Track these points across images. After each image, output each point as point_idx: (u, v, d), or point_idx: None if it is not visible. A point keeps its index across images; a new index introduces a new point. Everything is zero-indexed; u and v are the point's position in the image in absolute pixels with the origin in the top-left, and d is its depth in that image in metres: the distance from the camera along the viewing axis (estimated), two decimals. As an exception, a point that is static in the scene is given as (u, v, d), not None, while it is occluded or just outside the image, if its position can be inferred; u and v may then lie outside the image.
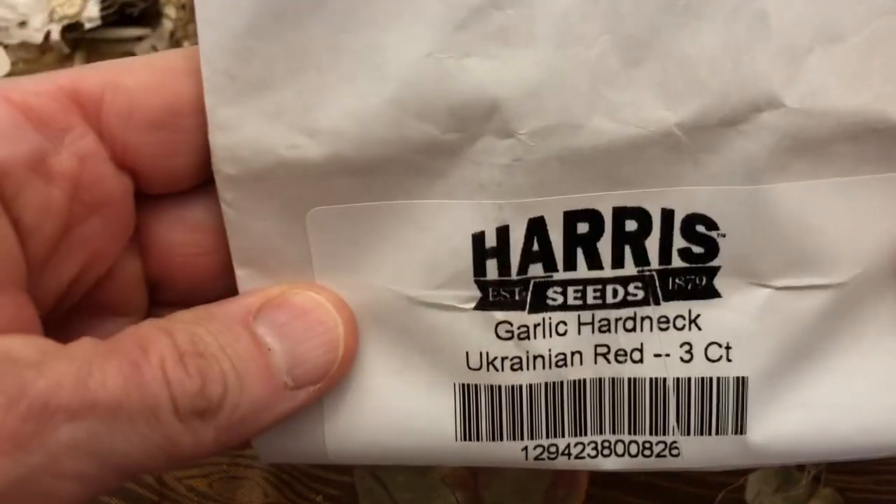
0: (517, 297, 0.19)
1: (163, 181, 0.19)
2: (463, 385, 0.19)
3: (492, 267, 0.19)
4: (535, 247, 0.18)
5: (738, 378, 0.19)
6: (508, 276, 0.19)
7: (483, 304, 0.19)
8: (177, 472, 0.30)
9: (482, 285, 0.19)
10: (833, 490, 0.29)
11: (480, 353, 0.19)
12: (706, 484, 0.29)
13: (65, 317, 0.19)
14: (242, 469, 0.31)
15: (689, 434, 0.19)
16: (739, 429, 0.19)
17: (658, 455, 0.20)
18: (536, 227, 0.18)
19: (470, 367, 0.19)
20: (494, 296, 0.19)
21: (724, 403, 0.19)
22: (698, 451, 0.20)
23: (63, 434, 0.15)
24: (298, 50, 0.17)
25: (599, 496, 0.30)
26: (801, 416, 0.19)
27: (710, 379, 0.19)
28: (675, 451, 0.20)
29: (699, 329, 0.19)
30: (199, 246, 0.19)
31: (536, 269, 0.19)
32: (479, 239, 0.18)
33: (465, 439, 0.20)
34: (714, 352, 0.19)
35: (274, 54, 0.17)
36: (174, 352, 0.16)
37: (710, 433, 0.19)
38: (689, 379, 0.19)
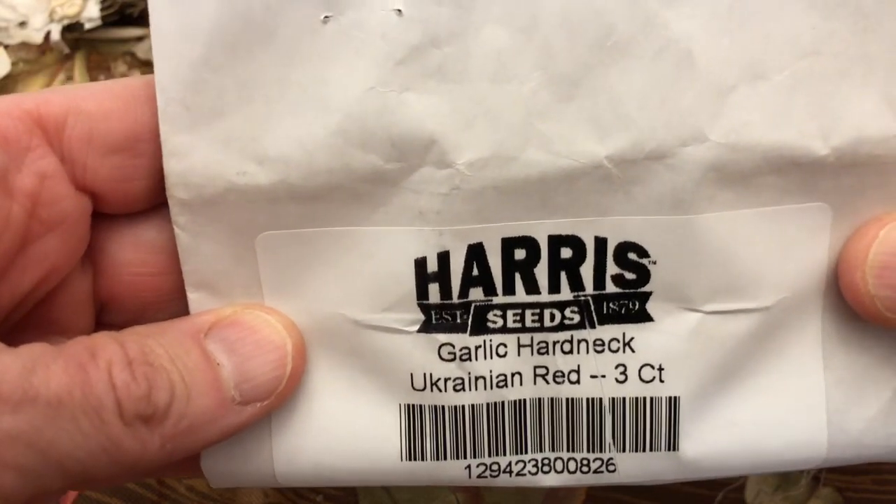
0: (459, 320, 0.20)
1: (120, 202, 0.19)
2: (408, 406, 0.20)
3: (434, 291, 0.19)
4: (475, 272, 0.19)
5: (670, 398, 0.20)
6: (450, 300, 0.19)
7: (426, 327, 0.20)
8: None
9: (425, 308, 0.20)
10: (833, 490, 0.29)
11: (424, 374, 0.20)
12: (706, 484, 0.30)
13: (9, 332, 0.19)
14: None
15: (624, 451, 0.20)
16: (672, 445, 0.20)
17: (595, 471, 0.21)
18: (476, 252, 0.19)
19: (414, 388, 0.20)
20: (437, 319, 0.20)
21: (657, 421, 0.20)
22: (634, 467, 0.20)
23: (3, 423, 0.16)
24: (248, 82, 0.18)
25: (599, 496, 0.30)
26: (731, 433, 0.20)
27: (644, 399, 0.20)
28: (611, 467, 0.20)
29: (633, 351, 0.20)
30: (150, 266, 0.20)
31: (477, 293, 0.20)
32: (421, 264, 0.19)
33: (410, 459, 0.20)
34: (647, 373, 0.20)
35: (225, 85, 0.18)
36: (123, 358, 0.17)
37: (644, 450, 0.20)
38: (624, 399, 0.20)
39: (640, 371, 0.20)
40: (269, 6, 0.17)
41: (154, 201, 0.20)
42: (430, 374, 0.20)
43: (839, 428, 0.20)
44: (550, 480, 0.21)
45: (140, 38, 0.32)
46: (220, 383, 0.18)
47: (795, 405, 0.20)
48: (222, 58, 0.18)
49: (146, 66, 0.30)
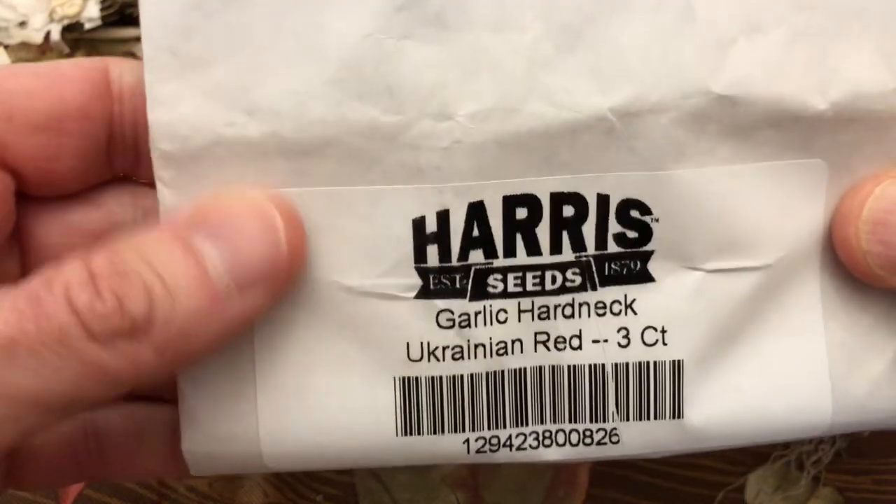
0: (458, 285, 0.19)
1: (45, 183, 0.19)
2: (403, 378, 0.19)
3: (432, 253, 0.19)
4: (476, 232, 0.19)
5: (673, 361, 0.19)
6: (449, 263, 0.19)
7: (424, 293, 0.19)
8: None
9: (423, 272, 0.19)
10: (833, 490, 0.29)
11: (421, 343, 0.19)
12: (706, 484, 0.29)
13: None
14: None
15: (628, 420, 0.20)
16: (677, 413, 0.20)
17: (599, 443, 0.20)
18: (476, 211, 0.18)
19: (410, 359, 0.19)
20: (435, 283, 0.19)
21: (661, 387, 0.19)
22: (638, 437, 0.20)
23: None
24: (239, 29, 0.17)
25: (599, 496, 0.30)
26: (736, 399, 0.20)
27: (648, 363, 0.19)
28: (615, 438, 0.20)
29: (635, 314, 0.19)
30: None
31: (477, 256, 0.19)
32: (419, 224, 0.18)
33: (406, 434, 0.19)
34: (650, 336, 0.19)
35: (215, 32, 0.17)
36: (83, 276, 0.16)
37: (648, 418, 0.20)
38: (628, 364, 0.19)
39: (642, 334, 0.19)
40: None
41: (83, 184, 0.19)
42: (428, 343, 0.19)
43: (843, 392, 0.20)
44: (552, 454, 0.20)
45: (140, 39, 0.31)
46: (208, 276, 0.16)
47: (798, 368, 0.20)
48: (213, 3, 0.17)
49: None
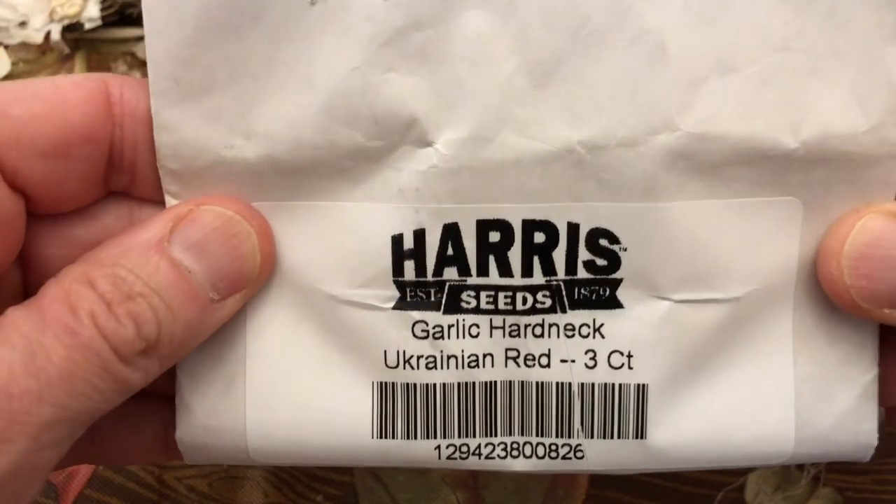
0: (433, 298, 0.20)
1: (52, 204, 0.20)
2: (381, 383, 0.21)
3: (409, 268, 0.20)
4: (450, 251, 0.20)
5: (638, 385, 0.20)
6: (425, 277, 0.20)
7: (401, 304, 0.20)
8: (177, 472, 0.31)
9: (400, 285, 0.20)
10: (832, 490, 0.29)
11: (398, 352, 0.20)
12: (706, 484, 0.30)
13: None
14: (242, 469, 0.31)
15: (592, 437, 0.21)
16: (640, 433, 0.20)
17: (564, 457, 0.21)
18: (451, 232, 0.20)
19: (387, 366, 0.20)
20: (412, 296, 0.20)
21: (625, 408, 0.20)
22: (602, 454, 0.21)
23: (35, 416, 0.16)
24: (237, 60, 0.19)
25: (599, 496, 0.30)
26: (700, 424, 0.20)
27: (613, 385, 0.20)
28: (579, 454, 0.21)
29: (603, 337, 0.20)
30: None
31: (451, 273, 0.20)
32: (397, 241, 0.20)
33: (381, 437, 0.21)
34: (616, 360, 0.20)
35: (214, 63, 0.19)
36: (101, 304, 0.17)
37: (612, 437, 0.20)
38: (593, 384, 0.20)
39: (609, 357, 0.20)
40: None
41: (84, 202, 0.20)
42: (404, 352, 0.20)
43: (807, 423, 0.20)
44: (519, 465, 0.21)
45: (140, 38, 0.32)
46: (195, 291, 0.19)
47: (764, 399, 0.20)
48: (212, 36, 0.19)
49: (146, 66, 0.31)
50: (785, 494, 0.29)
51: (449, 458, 0.21)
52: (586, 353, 0.20)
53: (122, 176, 0.20)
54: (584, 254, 0.20)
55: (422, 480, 0.30)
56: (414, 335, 0.20)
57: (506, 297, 0.20)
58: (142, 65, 0.33)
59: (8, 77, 0.33)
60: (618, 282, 0.20)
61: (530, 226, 0.20)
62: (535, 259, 0.20)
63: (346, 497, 0.31)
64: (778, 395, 0.20)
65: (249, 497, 0.31)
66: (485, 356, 0.20)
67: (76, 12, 0.32)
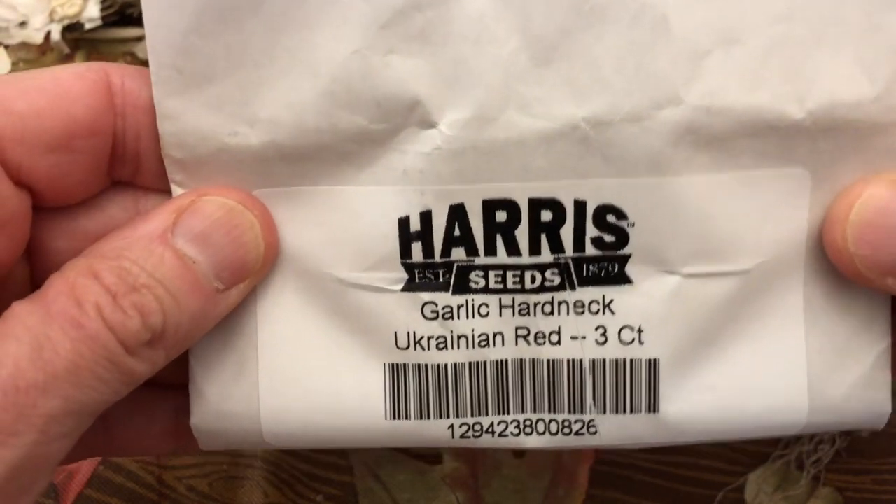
0: (441, 279, 0.20)
1: (58, 197, 0.20)
2: (392, 365, 0.21)
3: (417, 250, 0.20)
4: (457, 232, 0.20)
5: (649, 360, 0.20)
6: (432, 259, 0.20)
7: (409, 286, 0.20)
8: (177, 472, 0.31)
9: (408, 267, 0.20)
10: (833, 490, 0.29)
11: (408, 333, 0.20)
12: (706, 484, 0.30)
13: None
14: (242, 469, 0.31)
15: (605, 412, 0.21)
16: (652, 407, 0.20)
17: (577, 433, 0.21)
18: (457, 213, 0.20)
19: (398, 347, 0.21)
20: (420, 277, 0.20)
21: (637, 383, 0.20)
22: (614, 429, 0.21)
23: (41, 409, 0.17)
24: (237, 47, 0.19)
25: (599, 496, 0.30)
26: (712, 397, 0.20)
27: (624, 360, 0.20)
28: (592, 430, 0.21)
29: (612, 313, 0.20)
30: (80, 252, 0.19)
31: (459, 253, 0.20)
32: (404, 223, 0.20)
33: (394, 418, 0.21)
34: (627, 335, 0.20)
35: (215, 51, 0.19)
36: (107, 296, 0.18)
37: (624, 412, 0.21)
38: (604, 360, 0.20)
39: (619, 333, 0.20)
40: None
41: (88, 193, 0.20)
42: (414, 333, 0.20)
43: (820, 393, 0.20)
44: (533, 442, 0.21)
45: (140, 38, 0.32)
46: (200, 281, 0.19)
47: (776, 370, 0.20)
48: (212, 25, 0.19)
49: (146, 65, 0.31)
50: (785, 494, 0.29)
51: (462, 436, 0.21)
52: (596, 329, 0.20)
53: (126, 166, 0.20)
54: (591, 230, 0.20)
55: (422, 480, 0.30)
56: (423, 316, 0.20)
57: (514, 275, 0.20)
58: (142, 64, 0.33)
59: (8, 77, 0.33)
60: (626, 257, 0.20)
61: (537, 204, 0.20)
62: (543, 237, 0.20)
63: (346, 497, 0.31)
64: (790, 366, 0.20)
65: (249, 497, 0.31)
66: (495, 335, 0.21)
67: (76, 12, 0.32)
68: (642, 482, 0.30)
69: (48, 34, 0.32)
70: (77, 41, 0.33)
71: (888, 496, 0.29)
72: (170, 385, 0.22)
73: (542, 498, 0.30)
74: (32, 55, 0.33)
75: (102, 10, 0.32)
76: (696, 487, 0.30)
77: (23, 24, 0.32)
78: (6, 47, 0.33)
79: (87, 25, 0.32)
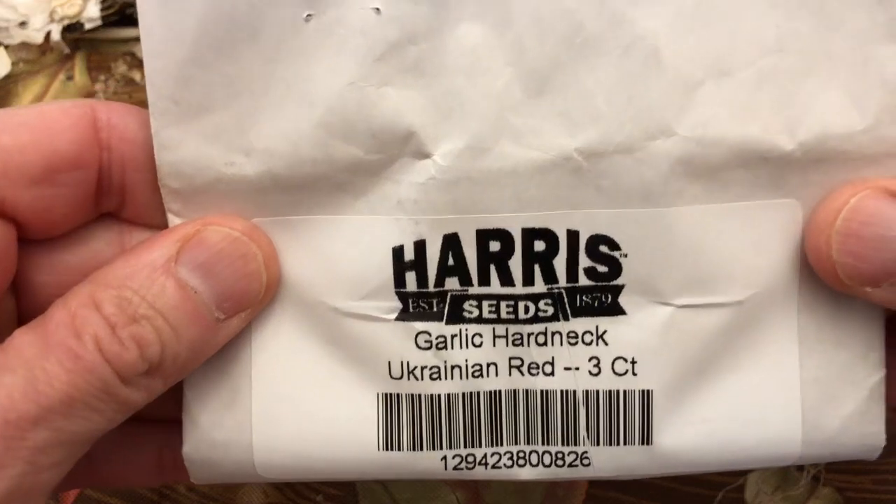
0: (435, 309, 0.20)
1: (41, 230, 0.20)
2: (385, 395, 0.21)
3: (411, 279, 0.20)
4: (451, 261, 0.20)
5: (643, 391, 0.20)
6: (426, 288, 0.20)
7: (404, 315, 0.20)
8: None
9: (402, 297, 0.20)
10: (832, 490, 0.29)
11: (402, 363, 0.20)
12: (706, 484, 0.30)
13: None
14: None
15: (598, 444, 0.20)
16: (646, 439, 0.20)
17: (570, 465, 0.21)
18: (451, 242, 0.20)
19: (392, 377, 0.20)
20: (414, 307, 0.20)
21: (630, 415, 0.20)
22: (608, 461, 0.21)
23: (30, 441, 0.17)
24: (234, 78, 0.19)
25: (599, 496, 0.30)
26: (705, 429, 0.20)
27: (618, 391, 0.20)
28: (585, 461, 0.21)
29: (606, 344, 0.20)
30: (67, 288, 0.19)
31: (453, 283, 0.20)
32: (398, 252, 0.20)
33: (387, 449, 0.21)
34: (620, 366, 0.20)
35: (212, 82, 0.19)
36: (106, 327, 0.18)
37: (618, 443, 0.20)
38: (598, 391, 0.20)
39: (613, 364, 0.20)
40: (254, 6, 0.18)
41: (73, 225, 0.20)
42: (408, 363, 0.20)
43: (814, 426, 0.20)
44: (526, 474, 0.21)
45: (140, 39, 0.32)
46: (201, 311, 0.19)
47: (770, 402, 0.20)
48: (209, 56, 0.19)
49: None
50: (785, 494, 0.29)
51: (455, 468, 0.21)
52: (590, 360, 0.20)
53: (112, 198, 0.21)
54: (584, 261, 0.20)
55: (422, 480, 0.30)
56: (417, 346, 0.20)
57: (508, 305, 0.20)
58: (142, 64, 0.32)
59: (8, 77, 0.33)
60: (619, 288, 0.20)
61: (530, 234, 0.20)
62: (536, 267, 0.20)
63: (346, 497, 0.31)
64: (784, 398, 0.20)
65: (249, 497, 0.31)
66: (489, 365, 0.21)
67: (76, 12, 0.32)
68: (642, 482, 0.30)
69: (48, 34, 0.32)
70: (77, 41, 0.33)
71: (888, 496, 0.29)
72: (154, 419, 0.22)
73: (542, 498, 0.30)
74: (32, 55, 0.33)
75: (102, 10, 0.32)
76: (695, 487, 0.30)
77: (23, 24, 0.32)
78: (6, 47, 0.33)
79: (87, 25, 0.32)
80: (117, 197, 0.21)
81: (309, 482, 0.31)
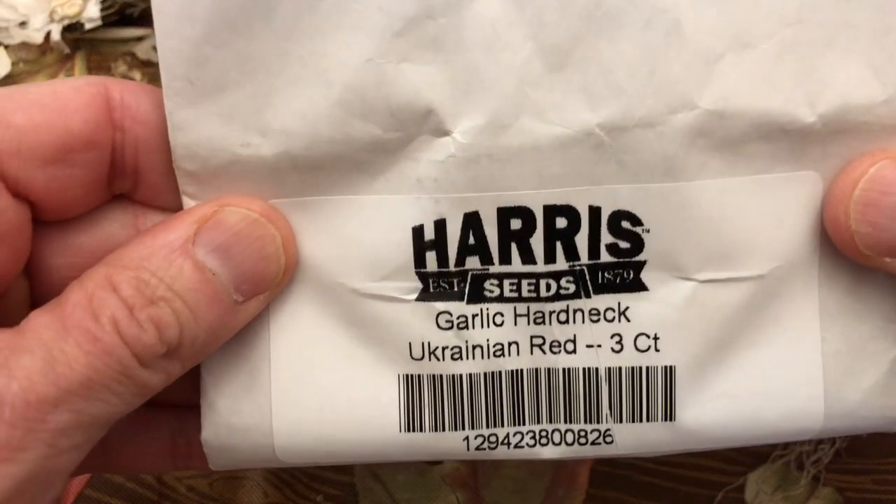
0: (456, 289, 0.20)
1: (56, 210, 0.20)
2: (406, 376, 0.20)
3: (431, 259, 0.20)
4: (472, 240, 0.20)
5: (666, 367, 0.20)
6: (447, 268, 0.20)
7: (424, 295, 0.20)
8: (177, 472, 0.31)
9: (423, 277, 0.20)
10: (832, 490, 0.29)
11: (422, 343, 0.20)
12: (706, 484, 0.30)
13: None
14: (243, 469, 0.30)
15: (621, 421, 0.20)
16: (669, 415, 0.20)
17: (593, 443, 0.21)
18: (472, 221, 0.20)
19: (413, 358, 0.20)
20: (434, 287, 0.20)
21: (653, 391, 0.20)
22: (631, 438, 0.20)
23: (51, 423, 0.17)
24: (249, 57, 0.19)
25: (599, 496, 0.30)
26: (728, 404, 0.20)
27: (640, 368, 0.20)
28: (608, 439, 0.21)
29: (628, 321, 0.20)
30: (80, 270, 0.19)
31: (474, 262, 0.20)
32: (418, 232, 0.20)
33: (409, 430, 0.21)
34: (643, 342, 0.20)
35: (227, 61, 0.19)
36: (123, 309, 0.17)
37: (641, 420, 0.20)
38: (620, 368, 0.20)
39: (635, 340, 0.20)
40: None
41: (87, 207, 0.20)
42: (429, 343, 0.20)
43: (836, 399, 0.20)
44: (549, 452, 0.21)
45: (140, 39, 0.32)
46: (219, 293, 0.18)
47: (792, 376, 0.20)
48: (224, 34, 0.18)
49: (146, 66, 0.30)
50: (785, 494, 0.29)
51: (478, 448, 0.21)
52: (612, 337, 0.20)
53: (125, 179, 0.20)
54: (606, 237, 0.20)
55: (422, 480, 0.30)
56: (438, 326, 0.20)
57: (529, 284, 0.20)
58: (142, 65, 0.33)
59: (8, 77, 0.33)
60: (641, 264, 0.20)
61: (551, 211, 0.20)
62: (558, 244, 0.20)
63: (346, 497, 0.31)
64: (806, 371, 0.20)
65: (249, 497, 0.31)
66: (510, 344, 0.20)
67: (76, 12, 0.32)
68: (642, 482, 0.30)
69: (48, 34, 0.32)
70: (77, 41, 0.33)
71: (888, 496, 0.29)
72: (167, 405, 0.22)
73: (542, 498, 0.30)
74: (32, 55, 0.32)
75: (102, 10, 0.32)
76: (696, 487, 0.30)
77: (23, 24, 0.32)
78: (6, 47, 0.32)
79: (87, 25, 0.32)
80: (131, 178, 0.20)
81: (309, 483, 0.31)
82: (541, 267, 0.20)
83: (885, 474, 0.29)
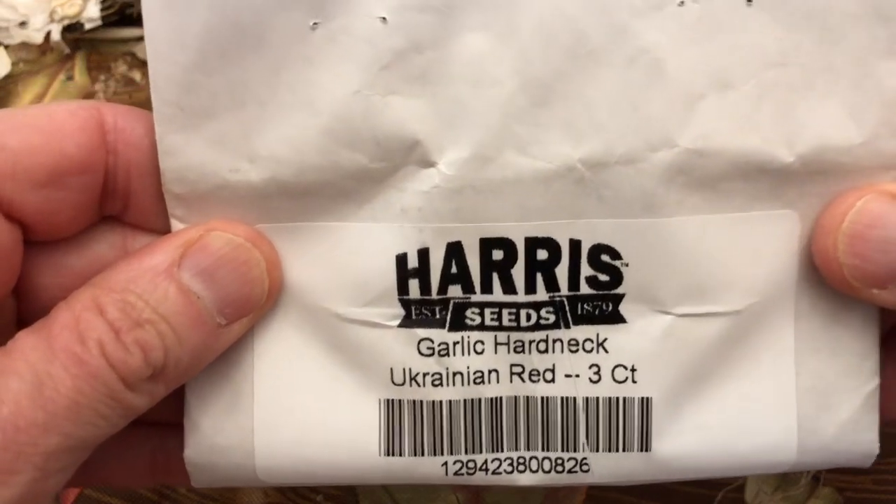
0: (438, 316, 0.20)
1: (47, 232, 0.20)
2: (387, 401, 0.21)
3: (414, 286, 0.20)
4: (454, 269, 0.20)
5: (642, 398, 0.20)
6: (430, 296, 0.20)
7: (406, 322, 0.20)
8: None
9: (405, 303, 0.20)
10: (832, 490, 0.29)
11: (404, 369, 0.21)
12: (706, 484, 0.30)
13: None
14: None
15: (598, 451, 0.21)
16: (645, 446, 0.21)
17: (570, 471, 0.21)
18: (454, 251, 0.20)
19: (394, 383, 0.21)
20: (417, 314, 0.20)
21: (630, 422, 0.21)
22: (607, 467, 0.21)
23: (41, 447, 0.17)
24: (240, 85, 0.19)
25: (599, 496, 0.30)
26: (703, 436, 0.21)
27: (617, 399, 0.20)
28: (585, 467, 0.21)
29: (606, 352, 0.20)
30: (69, 292, 0.19)
31: (455, 290, 0.20)
32: (402, 260, 0.20)
33: (388, 454, 0.21)
34: (620, 373, 0.20)
35: (218, 88, 0.19)
36: (110, 332, 0.18)
37: (617, 450, 0.21)
38: (598, 398, 0.21)
39: (613, 371, 0.20)
40: (260, 13, 0.18)
41: (77, 228, 0.20)
42: (410, 369, 0.21)
43: (809, 433, 0.20)
44: (526, 479, 0.21)
45: (140, 39, 0.32)
46: (203, 317, 0.19)
47: (766, 410, 0.21)
48: (214, 62, 0.19)
49: (146, 66, 0.31)
50: (785, 494, 0.29)
51: (456, 473, 0.21)
52: (590, 367, 0.21)
53: (116, 202, 0.20)
54: (586, 270, 0.20)
55: None
56: (420, 352, 0.20)
57: (510, 313, 0.20)
58: (142, 65, 0.33)
59: (8, 77, 0.33)
60: (620, 297, 0.20)
61: (533, 243, 0.20)
62: (539, 276, 0.20)
63: (346, 497, 0.31)
64: (780, 406, 0.21)
65: (249, 497, 0.31)
66: (490, 372, 0.21)
67: (76, 12, 0.32)
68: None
69: (48, 34, 0.32)
70: (77, 41, 0.33)
71: (888, 496, 0.29)
72: (149, 422, 0.22)
73: (542, 498, 0.30)
74: (32, 55, 0.33)
75: (102, 10, 0.32)
76: (695, 487, 0.30)
77: (23, 24, 0.32)
78: (6, 47, 0.33)
79: (87, 25, 0.32)
80: (121, 201, 0.20)
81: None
82: (521, 297, 0.20)
83: (884, 474, 0.29)
